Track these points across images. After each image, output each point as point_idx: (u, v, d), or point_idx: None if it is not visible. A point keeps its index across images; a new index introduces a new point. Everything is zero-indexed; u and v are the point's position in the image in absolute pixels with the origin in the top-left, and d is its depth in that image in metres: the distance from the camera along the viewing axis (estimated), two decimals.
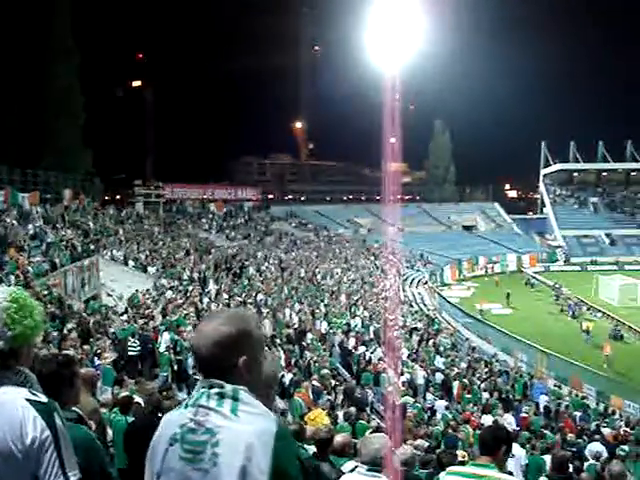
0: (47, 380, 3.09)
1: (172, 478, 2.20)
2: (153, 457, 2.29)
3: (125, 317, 22.21)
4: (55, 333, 15.28)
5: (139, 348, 19.06)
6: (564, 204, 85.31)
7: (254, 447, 2.08)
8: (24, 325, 2.60)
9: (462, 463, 7.29)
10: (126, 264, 36.71)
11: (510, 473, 8.35)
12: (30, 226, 31.61)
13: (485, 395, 23.37)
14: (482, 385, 24.99)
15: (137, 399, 9.28)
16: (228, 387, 2.21)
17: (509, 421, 18.24)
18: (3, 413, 2.47)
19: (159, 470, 2.25)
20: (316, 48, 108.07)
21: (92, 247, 33.65)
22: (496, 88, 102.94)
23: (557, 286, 53.70)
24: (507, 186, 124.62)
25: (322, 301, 37.96)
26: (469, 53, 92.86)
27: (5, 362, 2.57)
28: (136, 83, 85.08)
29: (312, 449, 6.03)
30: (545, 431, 16.59)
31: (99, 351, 15.66)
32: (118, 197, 71.47)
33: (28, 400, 2.50)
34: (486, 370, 28.27)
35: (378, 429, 10.44)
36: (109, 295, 28.66)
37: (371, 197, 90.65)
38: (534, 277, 62.38)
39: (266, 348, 2.53)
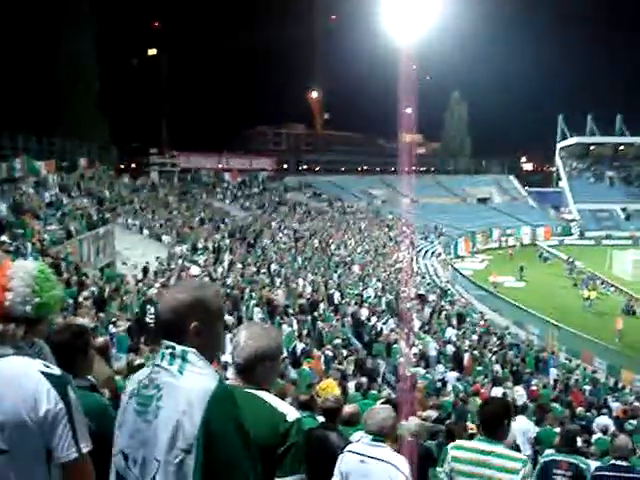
0: (61, 350, 3.16)
1: (128, 428, 2.45)
2: (119, 410, 2.56)
3: (141, 285, 22.41)
4: (70, 300, 15.44)
5: (154, 316, 19.15)
6: (580, 178, 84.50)
7: (191, 403, 2.28)
8: (49, 295, 2.69)
9: (472, 435, 7.38)
10: (141, 233, 36.91)
11: (517, 447, 8.44)
12: (46, 194, 31.78)
13: (496, 367, 23.45)
14: (493, 358, 25.07)
15: None
16: (178, 348, 2.42)
17: (520, 393, 18.30)
18: (18, 385, 2.52)
19: (120, 421, 2.52)
20: (333, 17, 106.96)
21: (107, 215, 33.81)
22: (514, 60, 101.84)
23: (570, 260, 53.47)
24: (523, 159, 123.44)
25: (335, 272, 38.05)
26: (488, 24, 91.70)
27: (29, 329, 2.65)
28: (152, 51, 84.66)
29: (321, 418, 6.12)
30: (554, 404, 16.66)
31: (114, 319, 15.82)
32: (133, 166, 71.48)
33: (42, 372, 2.56)
34: (497, 343, 28.33)
35: (388, 400, 10.54)
36: (124, 263, 28.87)
37: (386, 168, 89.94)
38: (548, 251, 62.11)
39: (264, 322, 2.69)
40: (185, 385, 2.34)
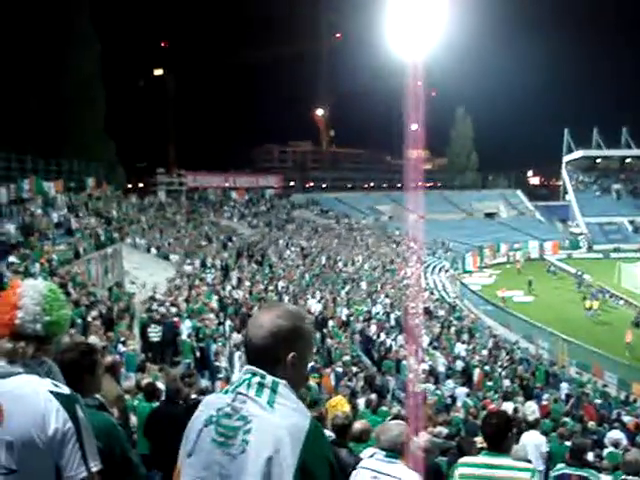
0: (69, 369, 3.15)
1: (201, 458, 2.23)
2: (187, 436, 2.33)
3: (148, 304, 22.44)
4: (79, 320, 15.47)
5: (160, 334, 19.32)
6: (587, 191, 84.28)
7: (283, 441, 2.10)
8: (59, 314, 2.70)
9: (481, 450, 7.32)
10: (148, 252, 36.97)
11: (529, 461, 8.36)
12: (54, 214, 31.90)
13: (506, 382, 23.34)
14: (503, 372, 24.95)
15: (160, 386, 9.40)
16: (269, 378, 2.24)
17: (533, 409, 18.18)
18: (27, 405, 2.53)
19: (191, 449, 2.28)
20: (337, 34, 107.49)
21: (115, 235, 33.89)
22: (519, 74, 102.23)
23: (579, 274, 53.29)
24: (530, 173, 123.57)
25: (343, 288, 38.02)
26: (492, 39, 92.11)
27: (38, 348, 2.66)
28: (158, 71, 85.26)
29: (331, 435, 6.09)
30: (566, 419, 16.55)
31: (123, 338, 15.85)
32: (141, 185, 71.80)
33: (51, 392, 2.56)
34: (507, 358, 28.20)
35: (398, 416, 10.48)
36: (132, 283, 28.90)
37: (392, 184, 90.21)
38: (555, 264, 61.92)
39: None
40: (277, 421, 2.14)
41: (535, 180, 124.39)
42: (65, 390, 2.62)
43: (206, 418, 2.28)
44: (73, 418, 2.55)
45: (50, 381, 2.62)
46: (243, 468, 2.12)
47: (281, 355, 2.27)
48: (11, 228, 25.32)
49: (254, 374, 2.26)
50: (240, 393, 2.24)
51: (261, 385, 2.23)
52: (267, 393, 2.21)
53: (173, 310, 21.69)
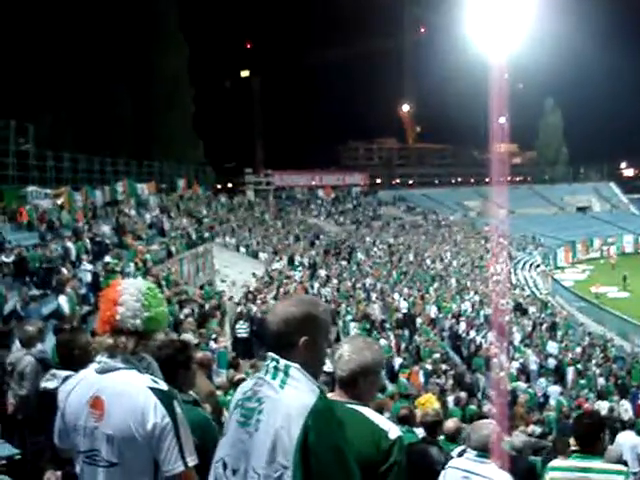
0: (164, 365, 3.26)
1: (230, 437, 2.49)
2: (227, 418, 2.61)
3: (240, 302, 22.84)
4: (171, 318, 15.84)
5: (248, 330, 19.72)
6: None
7: (290, 418, 2.28)
8: (157, 311, 2.81)
9: (573, 452, 7.17)
10: (238, 250, 37.54)
11: (625, 463, 8.11)
12: (147, 215, 32.74)
13: (601, 381, 22.71)
14: (597, 371, 24.29)
15: None
16: (282, 362, 2.42)
17: (626, 407, 17.70)
18: (127, 400, 2.63)
19: (226, 429, 2.55)
20: (421, 29, 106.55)
21: (206, 235, 34.55)
22: (609, 62, 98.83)
23: None
24: (623, 164, 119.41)
25: (431, 285, 37.70)
26: (580, 27, 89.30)
27: (138, 343, 2.77)
28: (244, 73, 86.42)
29: (422, 433, 6.07)
30: None
31: (214, 335, 16.16)
32: (229, 185, 72.91)
33: (150, 388, 2.66)
34: (601, 355, 27.43)
35: (482, 415, 10.34)
36: (222, 281, 29.42)
37: (480, 179, 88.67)
38: None
39: (366, 336, 2.65)
40: (285, 400, 2.33)
41: (629, 172, 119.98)
42: (163, 386, 2.71)
43: (235, 402, 2.55)
44: (171, 413, 2.64)
45: (149, 377, 2.72)
46: (257, 444, 2.34)
47: (294, 340, 2.45)
48: (106, 229, 26.10)
49: (272, 359, 2.46)
50: (260, 378, 2.47)
51: (276, 369, 2.42)
52: (280, 376, 2.40)
53: (264, 307, 22.03)
